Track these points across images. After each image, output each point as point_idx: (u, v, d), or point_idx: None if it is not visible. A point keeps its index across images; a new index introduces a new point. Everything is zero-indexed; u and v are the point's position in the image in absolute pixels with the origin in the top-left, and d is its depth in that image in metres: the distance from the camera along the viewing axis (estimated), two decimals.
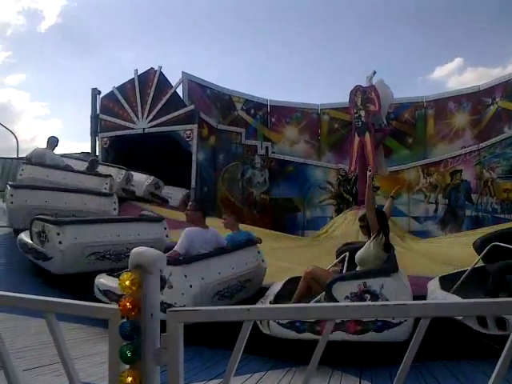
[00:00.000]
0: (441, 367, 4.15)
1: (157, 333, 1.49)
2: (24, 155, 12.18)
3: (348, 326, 4.29)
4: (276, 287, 5.73)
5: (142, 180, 12.75)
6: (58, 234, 6.49)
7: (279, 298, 5.28)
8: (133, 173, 12.37)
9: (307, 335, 4.36)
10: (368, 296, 4.51)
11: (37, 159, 10.02)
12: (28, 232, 7.09)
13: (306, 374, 1.43)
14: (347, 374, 4.14)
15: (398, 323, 4.29)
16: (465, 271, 5.52)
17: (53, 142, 10.52)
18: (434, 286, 5.56)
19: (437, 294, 5.21)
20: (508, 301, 1.36)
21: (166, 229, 7.73)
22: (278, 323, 4.48)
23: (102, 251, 6.82)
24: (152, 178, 12.95)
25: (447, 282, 5.45)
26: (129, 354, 1.44)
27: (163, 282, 4.85)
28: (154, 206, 11.85)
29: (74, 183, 9.79)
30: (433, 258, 9.50)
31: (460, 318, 4.22)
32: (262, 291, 5.97)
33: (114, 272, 5.95)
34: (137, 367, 1.46)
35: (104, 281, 5.78)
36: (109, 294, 5.57)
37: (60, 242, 6.44)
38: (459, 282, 5.29)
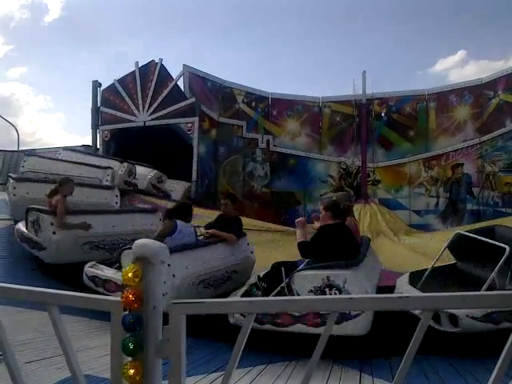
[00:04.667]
0: (443, 363, 4.14)
1: (159, 325, 1.49)
2: (25, 148, 12.54)
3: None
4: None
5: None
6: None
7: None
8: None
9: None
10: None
11: None
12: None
13: (308, 367, 1.43)
14: (347, 367, 4.14)
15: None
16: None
17: None
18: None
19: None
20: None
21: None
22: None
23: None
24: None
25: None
26: (131, 346, 1.44)
27: None
28: (157, 200, 11.82)
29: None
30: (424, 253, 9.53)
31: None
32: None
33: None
34: (139, 359, 1.46)
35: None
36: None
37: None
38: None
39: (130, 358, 1.46)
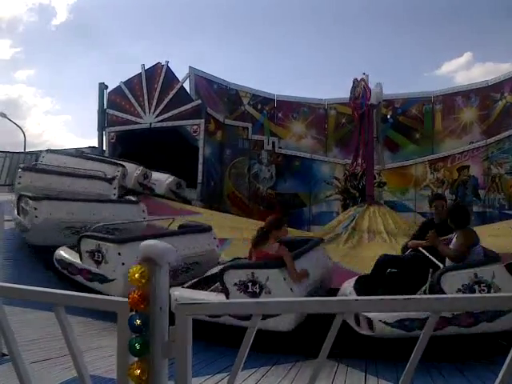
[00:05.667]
0: (449, 366, 4.11)
1: (165, 326, 1.49)
2: (32, 150, 12.41)
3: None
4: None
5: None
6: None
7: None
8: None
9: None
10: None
11: None
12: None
13: (315, 367, 1.43)
14: (353, 368, 4.13)
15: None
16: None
17: None
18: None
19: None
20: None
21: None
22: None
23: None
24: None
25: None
26: (138, 347, 1.44)
27: None
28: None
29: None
30: None
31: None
32: None
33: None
34: (145, 360, 1.46)
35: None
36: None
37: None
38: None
39: (136, 359, 1.47)
